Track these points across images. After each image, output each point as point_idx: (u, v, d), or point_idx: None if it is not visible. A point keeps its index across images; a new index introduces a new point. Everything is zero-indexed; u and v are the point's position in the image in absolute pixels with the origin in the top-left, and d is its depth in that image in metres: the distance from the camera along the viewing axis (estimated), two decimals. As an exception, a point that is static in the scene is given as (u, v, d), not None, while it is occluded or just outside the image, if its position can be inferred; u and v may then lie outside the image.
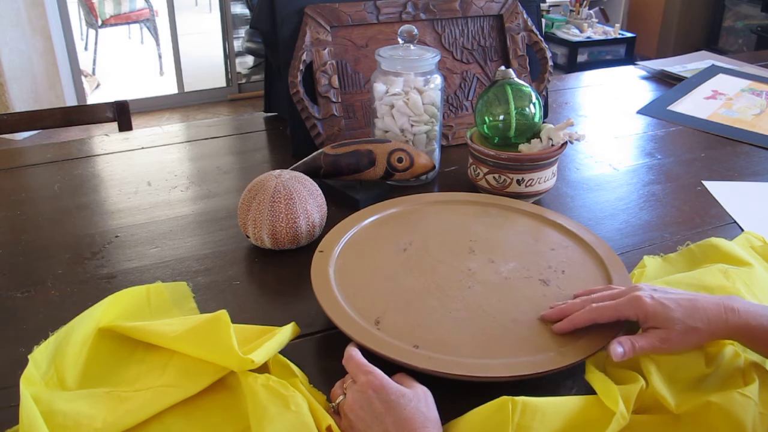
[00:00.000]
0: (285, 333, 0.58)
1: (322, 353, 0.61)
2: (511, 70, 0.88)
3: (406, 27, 0.89)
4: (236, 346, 0.53)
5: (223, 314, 0.56)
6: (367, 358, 0.54)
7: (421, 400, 0.50)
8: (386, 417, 0.48)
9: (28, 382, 0.51)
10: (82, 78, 3.63)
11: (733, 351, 0.57)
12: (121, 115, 1.31)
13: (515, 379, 0.54)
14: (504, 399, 0.50)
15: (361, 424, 0.49)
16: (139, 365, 0.57)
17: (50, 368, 0.55)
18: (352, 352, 0.55)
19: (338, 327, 0.58)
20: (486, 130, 0.88)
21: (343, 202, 0.86)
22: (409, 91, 0.90)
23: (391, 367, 0.54)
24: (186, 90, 3.88)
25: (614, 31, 4.10)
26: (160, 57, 4.54)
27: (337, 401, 0.52)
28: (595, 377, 0.55)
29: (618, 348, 0.53)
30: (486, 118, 0.88)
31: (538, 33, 1.12)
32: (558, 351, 0.56)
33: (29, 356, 0.54)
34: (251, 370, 0.54)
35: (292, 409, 0.49)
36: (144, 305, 0.65)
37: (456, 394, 0.54)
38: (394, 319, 0.60)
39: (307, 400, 0.51)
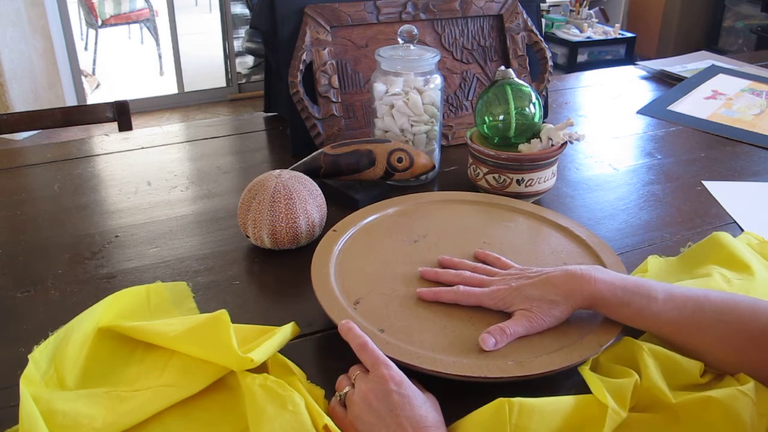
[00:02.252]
0: (285, 333, 0.58)
1: (322, 353, 0.61)
2: (511, 70, 0.88)
3: (406, 27, 0.89)
4: (236, 346, 0.53)
5: (222, 314, 0.56)
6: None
7: (432, 404, 0.51)
8: (401, 411, 0.48)
9: (28, 382, 0.51)
10: (82, 78, 3.64)
11: None
12: (121, 115, 1.31)
13: (513, 380, 0.54)
14: (500, 401, 0.50)
15: (372, 415, 0.49)
16: (139, 365, 0.57)
17: (50, 368, 0.55)
18: (367, 341, 0.54)
19: (338, 327, 0.58)
20: (486, 130, 0.88)
21: (343, 202, 0.86)
22: (409, 91, 0.90)
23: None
24: (186, 90, 3.88)
25: (614, 31, 4.10)
26: (160, 57, 4.55)
27: (344, 391, 0.52)
28: (589, 375, 0.55)
29: (489, 339, 0.56)
30: (486, 118, 0.88)
31: (538, 33, 1.12)
32: (556, 351, 0.56)
33: (29, 356, 0.54)
34: (249, 370, 0.54)
35: (290, 409, 0.49)
36: (144, 305, 0.65)
37: (454, 395, 0.54)
38: (395, 320, 0.60)
39: (304, 399, 0.51)
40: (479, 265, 0.67)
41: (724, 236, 0.73)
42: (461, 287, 0.62)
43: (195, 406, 0.53)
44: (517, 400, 0.50)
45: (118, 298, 0.63)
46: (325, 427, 0.49)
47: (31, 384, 0.52)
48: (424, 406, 0.49)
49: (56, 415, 0.49)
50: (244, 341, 0.56)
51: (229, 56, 3.91)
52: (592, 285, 0.57)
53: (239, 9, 3.87)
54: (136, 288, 0.66)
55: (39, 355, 0.54)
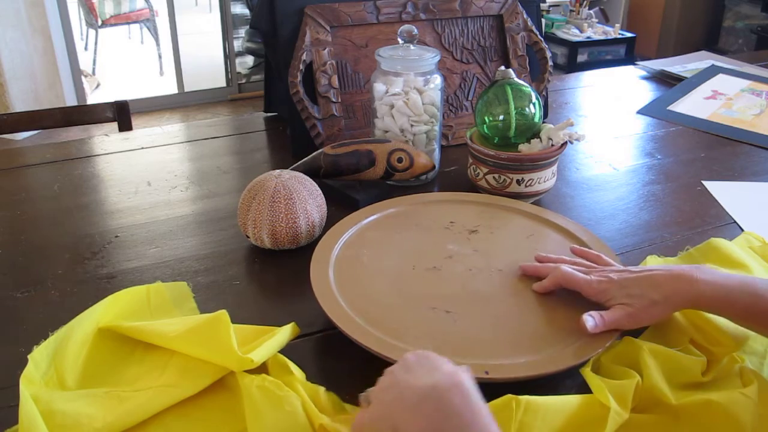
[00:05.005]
0: (284, 333, 0.58)
1: (321, 353, 0.61)
2: (511, 70, 0.88)
3: (406, 27, 0.89)
4: (236, 346, 0.53)
5: (222, 314, 0.56)
6: (364, 357, 0.54)
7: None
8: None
9: (27, 382, 0.51)
10: (82, 78, 3.63)
11: (729, 357, 0.58)
12: (121, 115, 1.31)
13: (513, 380, 0.54)
14: (508, 397, 0.50)
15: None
16: (139, 365, 0.57)
17: (50, 368, 0.55)
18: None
19: (338, 327, 0.58)
20: (486, 130, 0.88)
21: (343, 202, 0.86)
22: (409, 91, 0.90)
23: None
24: (186, 90, 3.88)
25: (614, 31, 4.10)
26: (160, 57, 4.54)
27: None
28: (591, 376, 0.55)
29: (589, 320, 0.57)
30: (486, 118, 0.88)
31: (538, 33, 1.12)
32: (558, 351, 0.56)
33: (29, 356, 0.54)
34: (248, 371, 0.54)
35: (287, 409, 0.49)
36: (144, 305, 0.65)
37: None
38: (393, 319, 0.60)
39: (301, 398, 0.51)
40: (579, 260, 0.67)
41: (721, 241, 0.74)
42: (563, 266, 0.63)
43: (195, 406, 0.53)
44: (524, 398, 0.50)
45: (118, 298, 0.63)
46: (321, 426, 0.49)
47: (31, 384, 0.52)
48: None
49: (56, 415, 0.49)
50: (244, 341, 0.56)
51: (229, 56, 3.91)
52: (694, 286, 0.56)
53: (239, 9, 3.87)
54: (136, 288, 0.66)
55: (39, 355, 0.54)
